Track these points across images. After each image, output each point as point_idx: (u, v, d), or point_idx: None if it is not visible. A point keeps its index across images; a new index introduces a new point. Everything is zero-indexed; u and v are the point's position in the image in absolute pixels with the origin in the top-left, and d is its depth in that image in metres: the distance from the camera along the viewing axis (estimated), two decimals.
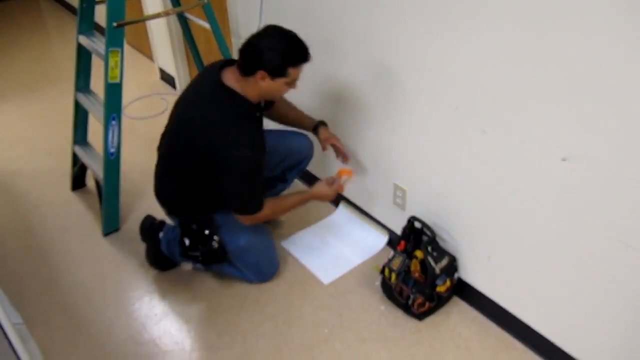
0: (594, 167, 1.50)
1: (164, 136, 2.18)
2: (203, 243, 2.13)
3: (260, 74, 1.85)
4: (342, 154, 2.33)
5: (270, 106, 2.26)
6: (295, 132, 2.40)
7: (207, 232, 2.13)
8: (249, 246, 2.20)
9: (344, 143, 2.39)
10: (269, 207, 2.08)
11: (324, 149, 2.32)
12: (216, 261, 2.19)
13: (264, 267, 2.29)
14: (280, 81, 1.88)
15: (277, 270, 2.33)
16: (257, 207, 2.04)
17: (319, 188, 2.21)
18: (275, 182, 2.50)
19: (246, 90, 1.93)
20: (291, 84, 1.93)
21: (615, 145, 1.43)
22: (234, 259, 2.22)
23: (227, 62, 2.01)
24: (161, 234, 2.27)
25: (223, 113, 1.91)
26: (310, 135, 2.38)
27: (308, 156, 2.46)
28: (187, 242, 2.16)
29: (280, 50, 1.83)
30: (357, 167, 2.45)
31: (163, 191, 2.24)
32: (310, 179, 2.82)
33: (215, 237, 2.13)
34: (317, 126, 2.32)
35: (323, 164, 2.67)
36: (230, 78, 1.94)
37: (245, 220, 2.09)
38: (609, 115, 1.41)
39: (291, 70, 1.86)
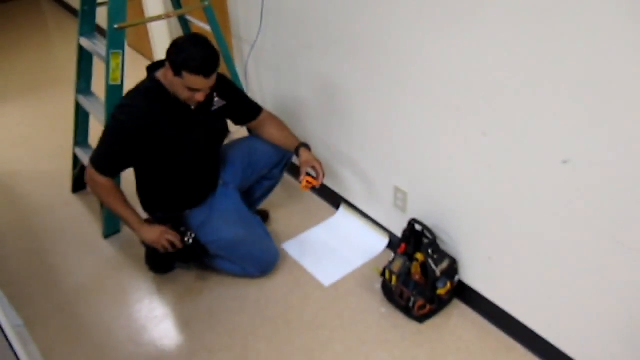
0: (594, 169, 1.50)
1: None
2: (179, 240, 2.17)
3: (167, 64, 1.92)
4: (317, 181, 2.21)
5: (252, 119, 2.33)
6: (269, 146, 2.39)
7: (182, 229, 2.18)
8: (238, 238, 2.22)
9: (344, 145, 2.39)
10: (109, 185, 2.07)
11: (300, 173, 2.21)
12: (193, 258, 2.22)
13: (260, 257, 2.29)
14: (178, 81, 1.91)
15: (277, 260, 2.34)
16: (99, 164, 2.03)
17: (148, 229, 2.14)
18: (262, 180, 2.49)
19: (165, 81, 1.99)
20: (190, 91, 1.93)
21: (615, 148, 1.43)
22: (228, 253, 2.24)
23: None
24: None
25: (130, 90, 2.03)
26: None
27: (288, 152, 2.41)
28: None
29: (183, 52, 1.86)
30: (358, 169, 2.45)
31: (138, 190, 2.27)
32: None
33: (190, 234, 2.16)
34: (298, 148, 2.27)
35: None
36: (161, 70, 2.03)
37: (88, 175, 2.08)
38: (610, 117, 1.40)
39: (185, 75, 1.88)
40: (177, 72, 1.88)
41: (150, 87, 2.01)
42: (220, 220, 2.21)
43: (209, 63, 1.89)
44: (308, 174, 2.20)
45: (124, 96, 2.05)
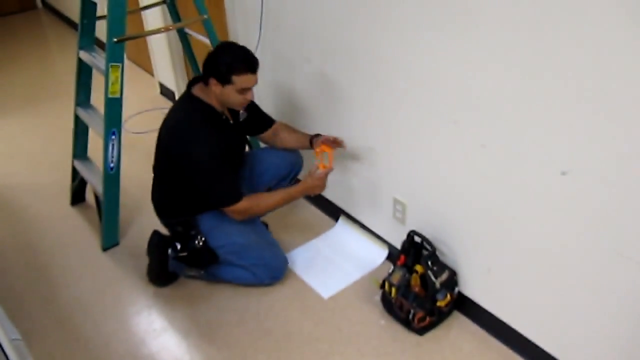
0: (594, 181, 1.50)
1: None
2: (189, 243, 2.19)
3: (212, 80, 2.02)
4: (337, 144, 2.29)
5: (267, 128, 2.42)
6: (282, 152, 2.44)
7: (192, 232, 2.21)
8: (249, 243, 2.25)
9: (343, 157, 2.40)
10: (252, 199, 2.17)
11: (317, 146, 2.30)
12: (203, 262, 2.24)
13: (271, 262, 2.31)
14: (230, 88, 2.02)
15: (286, 267, 2.36)
16: (232, 198, 2.11)
17: (306, 182, 2.24)
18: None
19: (209, 98, 2.10)
20: (243, 92, 2.04)
21: (614, 159, 1.43)
22: (237, 258, 2.26)
23: (201, 77, 2.13)
24: (169, 251, 2.27)
25: (183, 116, 2.10)
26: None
27: (297, 164, 2.49)
28: (178, 245, 2.22)
29: (225, 59, 1.99)
30: (357, 181, 2.46)
31: (154, 196, 2.34)
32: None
33: (200, 237, 2.19)
34: (312, 138, 2.36)
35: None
36: (197, 89, 2.13)
37: (233, 214, 2.15)
38: (609, 129, 1.41)
39: (235, 78, 1.99)
40: (226, 81, 1.99)
41: (196, 108, 2.09)
42: (231, 224, 2.23)
43: (252, 59, 2.02)
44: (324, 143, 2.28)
45: (184, 128, 2.06)
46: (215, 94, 2.05)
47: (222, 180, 2.12)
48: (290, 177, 2.50)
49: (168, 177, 2.23)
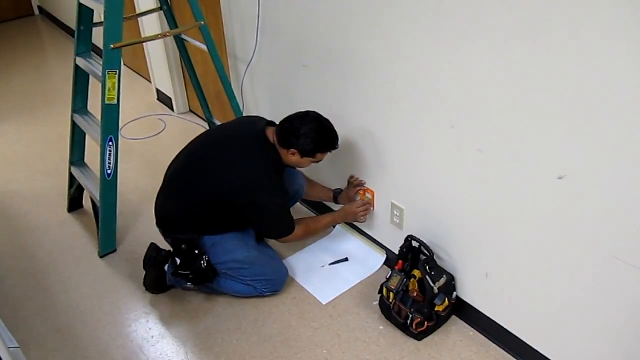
0: (589, 185, 1.50)
1: (184, 161, 2.27)
2: (192, 262, 2.17)
3: (292, 151, 2.12)
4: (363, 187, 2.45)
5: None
6: (289, 170, 2.43)
7: (196, 251, 2.18)
8: (249, 259, 2.24)
9: (341, 163, 2.40)
10: (301, 228, 2.29)
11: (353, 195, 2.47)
12: (205, 280, 2.22)
13: (272, 277, 2.31)
14: (308, 159, 2.16)
15: (287, 278, 2.36)
16: (289, 231, 2.25)
17: (346, 208, 2.42)
18: None
19: (281, 152, 2.17)
20: (316, 162, 2.21)
21: (611, 164, 1.43)
22: (238, 274, 2.25)
23: (269, 122, 2.24)
24: (167, 266, 2.27)
25: (260, 165, 2.14)
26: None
27: (299, 193, 2.53)
28: (177, 260, 2.20)
29: (314, 138, 2.09)
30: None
31: (165, 210, 2.29)
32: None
33: (204, 257, 2.17)
34: (335, 194, 2.54)
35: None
36: (271, 135, 2.18)
37: (284, 241, 2.31)
38: (605, 133, 1.41)
39: (319, 155, 2.16)
40: (308, 155, 2.13)
41: (271, 156, 2.16)
42: (233, 241, 2.24)
43: (336, 136, 2.16)
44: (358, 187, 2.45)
45: (258, 176, 2.13)
46: (289, 159, 2.15)
47: (283, 219, 2.24)
48: (290, 203, 2.53)
49: (203, 202, 2.18)
